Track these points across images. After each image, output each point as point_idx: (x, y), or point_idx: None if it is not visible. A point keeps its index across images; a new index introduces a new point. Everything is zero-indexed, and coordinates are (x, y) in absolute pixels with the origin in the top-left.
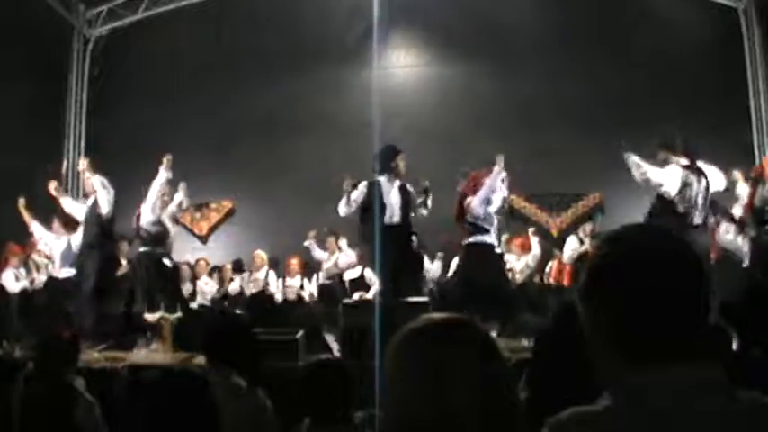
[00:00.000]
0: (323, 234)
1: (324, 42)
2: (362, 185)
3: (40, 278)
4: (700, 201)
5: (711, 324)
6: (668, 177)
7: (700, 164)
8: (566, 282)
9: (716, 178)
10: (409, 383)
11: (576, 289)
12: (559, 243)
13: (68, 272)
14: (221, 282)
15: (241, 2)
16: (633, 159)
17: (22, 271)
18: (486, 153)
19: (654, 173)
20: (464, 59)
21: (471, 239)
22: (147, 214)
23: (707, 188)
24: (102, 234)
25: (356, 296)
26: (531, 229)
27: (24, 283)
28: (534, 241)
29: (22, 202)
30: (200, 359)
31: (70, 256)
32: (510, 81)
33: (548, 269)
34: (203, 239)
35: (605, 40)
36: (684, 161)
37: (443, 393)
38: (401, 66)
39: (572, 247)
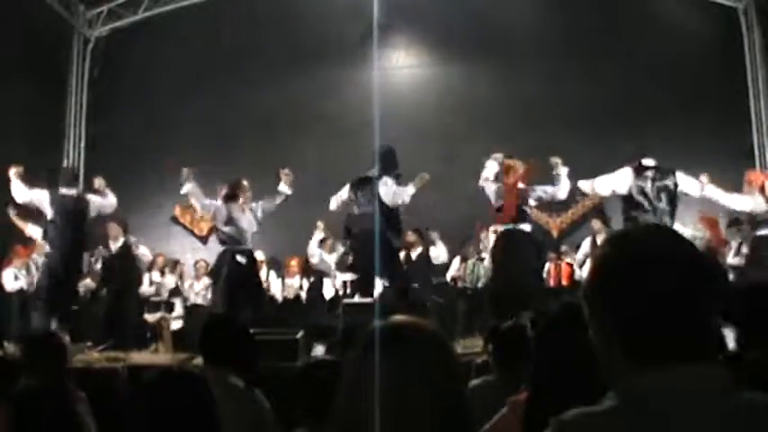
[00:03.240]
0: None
1: (324, 42)
2: (347, 188)
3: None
4: (659, 198)
5: (713, 324)
6: (618, 180)
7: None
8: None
9: (689, 184)
10: (361, 383)
11: (580, 288)
12: (559, 244)
13: None
14: None
15: (241, 2)
16: (583, 185)
17: (23, 272)
18: (486, 154)
19: (603, 182)
20: (465, 60)
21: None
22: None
23: (667, 187)
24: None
25: (357, 296)
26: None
27: (22, 283)
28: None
29: (12, 212)
30: (200, 360)
31: None
32: (510, 82)
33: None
34: (203, 240)
35: (606, 41)
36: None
37: (392, 395)
38: (401, 66)
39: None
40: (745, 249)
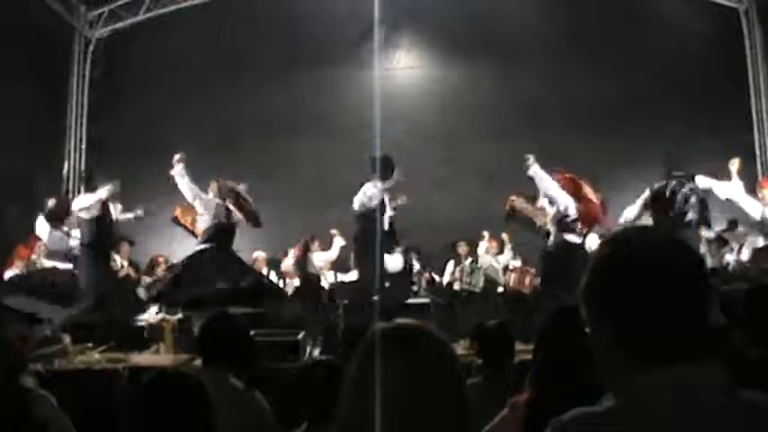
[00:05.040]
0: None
1: (324, 43)
2: (373, 185)
3: None
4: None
5: (712, 323)
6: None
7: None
8: None
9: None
10: (369, 384)
11: (578, 290)
12: None
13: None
14: None
15: (241, 3)
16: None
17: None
18: (487, 155)
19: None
20: (466, 61)
21: None
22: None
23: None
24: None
25: None
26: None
27: None
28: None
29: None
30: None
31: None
32: (511, 82)
33: None
34: None
35: (607, 42)
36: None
37: (398, 395)
38: (402, 67)
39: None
40: (743, 253)
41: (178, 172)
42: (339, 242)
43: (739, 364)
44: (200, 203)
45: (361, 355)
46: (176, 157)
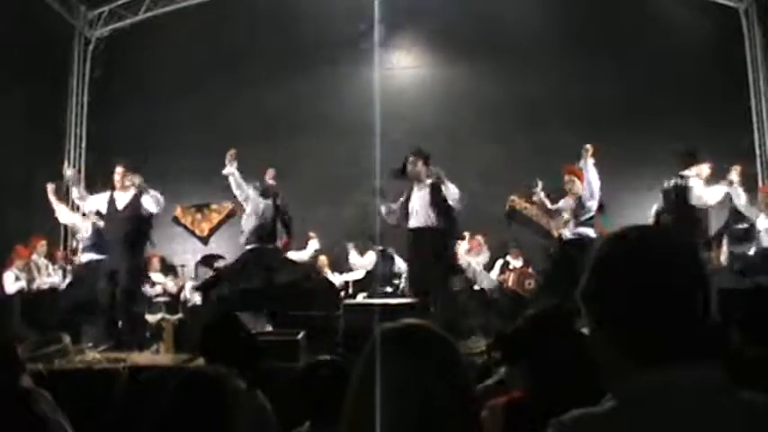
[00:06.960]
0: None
1: (325, 43)
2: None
3: (43, 279)
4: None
5: (713, 323)
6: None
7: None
8: None
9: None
10: (374, 383)
11: (578, 289)
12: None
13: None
14: None
15: (241, 2)
16: None
17: (23, 273)
18: (487, 154)
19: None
20: (466, 60)
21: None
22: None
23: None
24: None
25: (360, 297)
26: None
27: (22, 284)
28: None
29: (50, 188)
30: (202, 360)
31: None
32: (511, 82)
33: None
34: (204, 240)
35: (607, 41)
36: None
37: (407, 395)
38: (402, 66)
39: None
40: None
41: (230, 171)
42: (314, 245)
43: (738, 364)
44: (249, 203)
45: (366, 355)
46: (229, 154)
